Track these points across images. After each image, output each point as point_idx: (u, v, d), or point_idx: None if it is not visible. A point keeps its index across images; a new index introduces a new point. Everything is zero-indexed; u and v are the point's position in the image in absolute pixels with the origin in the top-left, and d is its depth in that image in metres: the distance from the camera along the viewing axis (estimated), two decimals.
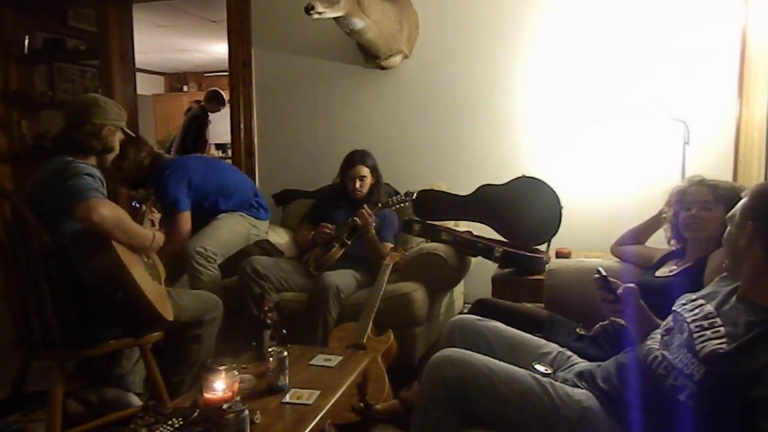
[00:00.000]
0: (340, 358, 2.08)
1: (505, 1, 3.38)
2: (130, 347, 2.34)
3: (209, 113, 6.00)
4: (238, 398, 1.60)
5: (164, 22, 6.24)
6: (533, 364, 1.69)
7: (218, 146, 8.84)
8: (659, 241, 2.39)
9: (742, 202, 1.43)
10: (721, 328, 1.36)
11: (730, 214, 1.47)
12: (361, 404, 2.16)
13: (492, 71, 3.44)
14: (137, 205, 2.40)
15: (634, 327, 1.68)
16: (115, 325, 2.09)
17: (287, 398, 1.74)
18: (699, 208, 2.00)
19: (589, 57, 3.26)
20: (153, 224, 2.35)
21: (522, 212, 2.91)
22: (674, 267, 2.09)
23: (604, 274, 1.66)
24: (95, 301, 2.01)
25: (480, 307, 2.23)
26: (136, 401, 2.39)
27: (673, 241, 2.19)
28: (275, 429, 1.58)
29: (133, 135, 2.53)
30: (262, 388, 1.79)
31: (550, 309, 2.29)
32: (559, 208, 2.84)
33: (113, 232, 1.97)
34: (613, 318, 1.99)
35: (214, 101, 5.86)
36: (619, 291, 1.65)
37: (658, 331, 1.56)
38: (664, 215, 2.20)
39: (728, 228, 1.46)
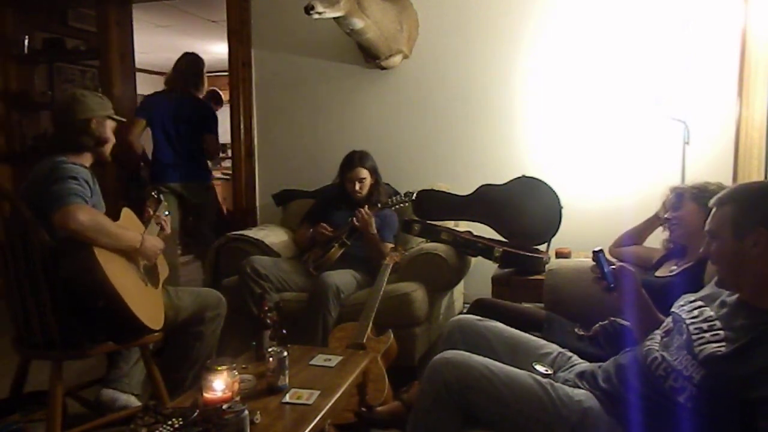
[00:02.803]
0: (340, 358, 2.08)
1: (505, 2, 3.38)
2: (129, 348, 2.33)
3: None
4: (238, 398, 1.60)
5: (164, 22, 6.23)
6: (533, 364, 1.69)
7: None
8: (658, 243, 2.40)
9: (734, 209, 1.38)
10: (721, 332, 1.36)
11: (713, 227, 1.43)
12: (363, 408, 2.16)
13: (492, 71, 3.44)
14: (156, 195, 2.37)
15: (632, 315, 1.68)
16: (99, 331, 2.06)
17: (287, 398, 1.74)
18: (671, 211, 2.17)
19: (589, 57, 3.26)
20: (162, 228, 2.33)
21: (522, 212, 2.91)
22: (674, 267, 2.10)
23: (598, 249, 1.69)
24: (81, 305, 2.00)
25: (478, 307, 2.23)
26: (134, 403, 2.38)
27: (670, 245, 2.25)
28: (275, 429, 1.58)
29: (124, 120, 2.48)
30: (262, 388, 1.79)
31: (549, 309, 2.29)
32: (559, 208, 2.84)
33: (96, 238, 1.94)
34: (612, 318, 2.00)
35: (213, 101, 5.87)
36: (613, 267, 1.66)
37: (658, 332, 1.56)
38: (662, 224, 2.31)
39: (723, 241, 1.40)
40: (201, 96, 4.05)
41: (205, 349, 2.44)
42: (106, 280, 1.92)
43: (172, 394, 2.20)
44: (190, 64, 3.92)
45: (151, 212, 2.32)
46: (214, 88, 6.11)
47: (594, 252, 1.69)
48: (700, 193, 2.05)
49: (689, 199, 2.09)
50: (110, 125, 2.28)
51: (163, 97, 3.85)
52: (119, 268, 2.02)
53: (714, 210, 1.44)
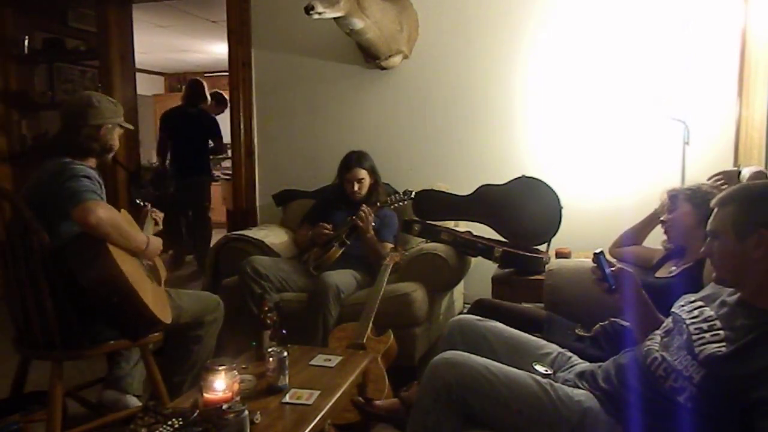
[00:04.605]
0: (340, 358, 2.08)
1: (505, 2, 3.38)
2: (129, 348, 2.34)
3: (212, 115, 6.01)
4: (238, 398, 1.60)
5: (164, 22, 6.24)
6: (533, 364, 1.69)
7: None
8: (658, 243, 2.40)
9: (736, 209, 1.37)
10: (721, 332, 1.36)
11: (715, 227, 1.42)
12: (361, 399, 2.16)
13: (492, 71, 3.44)
14: (141, 203, 2.40)
15: (632, 317, 1.68)
16: (112, 328, 2.08)
17: (287, 398, 1.74)
18: (667, 213, 2.20)
19: (589, 57, 3.26)
20: (156, 223, 2.34)
21: (522, 212, 2.91)
22: (674, 268, 2.10)
23: (599, 250, 1.69)
24: (93, 303, 2.01)
25: (479, 308, 2.23)
26: (135, 403, 2.38)
27: (670, 246, 2.25)
28: (275, 429, 1.58)
29: (132, 128, 2.50)
30: (262, 388, 1.79)
31: (549, 309, 2.29)
32: (559, 208, 2.84)
33: (110, 235, 1.96)
34: (612, 318, 2.00)
35: (214, 102, 5.87)
36: (612, 269, 1.66)
37: (658, 332, 1.56)
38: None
39: (725, 241, 1.39)
40: (207, 105, 5.31)
41: (203, 353, 2.44)
42: (122, 276, 1.93)
43: (171, 398, 2.20)
44: (191, 86, 5.17)
45: (148, 208, 2.35)
46: (217, 90, 6.10)
47: (595, 254, 1.69)
48: (694, 194, 2.08)
49: (683, 200, 2.11)
50: (118, 132, 2.29)
51: (179, 111, 5.12)
52: (130, 264, 2.04)
53: (716, 210, 1.43)
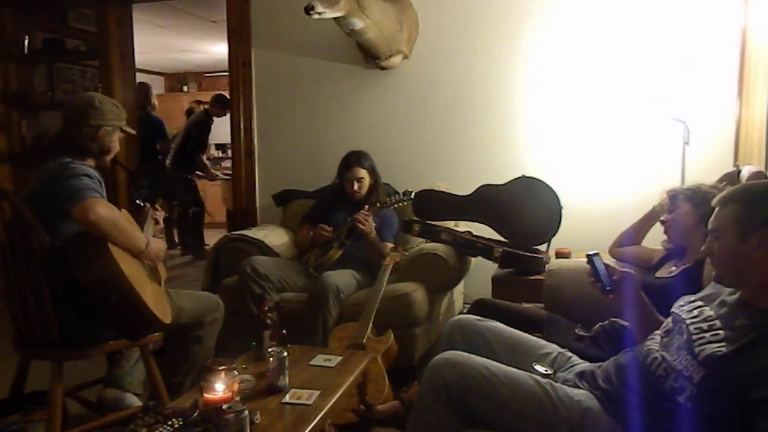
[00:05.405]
0: (340, 358, 2.08)
1: (505, 2, 3.38)
2: (129, 347, 2.34)
3: (214, 117, 6.00)
4: (237, 398, 1.60)
5: (164, 22, 6.24)
6: (533, 364, 1.69)
7: (218, 146, 8.84)
8: (657, 243, 2.40)
9: (738, 209, 1.37)
10: (720, 332, 1.36)
11: (716, 226, 1.42)
12: (362, 407, 2.16)
13: (492, 71, 3.44)
14: (141, 203, 2.40)
15: (632, 318, 1.68)
16: (111, 328, 2.08)
17: (287, 398, 1.74)
18: (667, 214, 2.20)
19: (589, 57, 3.26)
20: (157, 222, 2.34)
21: (522, 212, 2.91)
22: (673, 268, 2.10)
23: (592, 252, 1.69)
24: (93, 303, 2.01)
25: (479, 308, 2.23)
26: (135, 402, 2.38)
27: (669, 245, 2.26)
28: (275, 429, 1.58)
29: (134, 133, 2.51)
30: (262, 388, 1.79)
31: (549, 309, 2.29)
32: (559, 209, 2.84)
33: (110, 233, 1.96)
34: (612, 318, 2.00)
35: (217, 105, 5.87)
36: (615, 277, 1.66)
37: (658, 332, 1.56)
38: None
39: (726, 241, 1.39)
40: (154, 111, 5.53)
41: (203, 353, 2.44)
42: (121, 274, 1.93)
43: (171, 398, 2.20)
44: (139, 91, 5.01)
45: (148, 207, 2.36)
46: (221, 92, 6.09)
47: (588, 255, 1.68)
48: (694, 194, 2.08)
49: (683, 200, 2.11)
50: (119, 135, 2.29)
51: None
52: (130, 263, 2.04)
53: (717, 209, 1.43)
